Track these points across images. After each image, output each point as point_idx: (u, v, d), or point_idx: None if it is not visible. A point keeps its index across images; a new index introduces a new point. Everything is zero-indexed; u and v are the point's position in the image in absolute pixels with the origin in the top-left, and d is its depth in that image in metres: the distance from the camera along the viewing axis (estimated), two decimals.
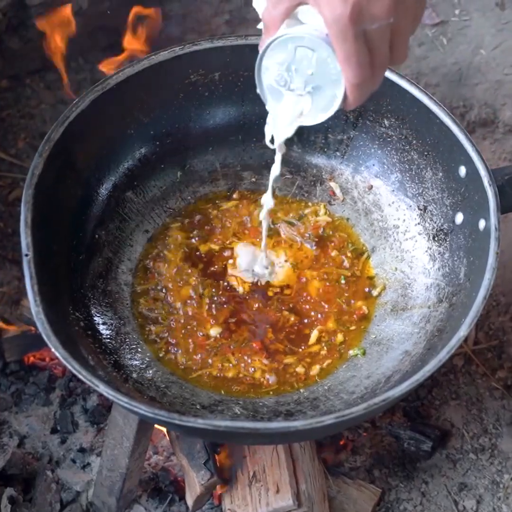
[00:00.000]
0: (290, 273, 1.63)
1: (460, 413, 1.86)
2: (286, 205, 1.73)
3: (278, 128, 1.35)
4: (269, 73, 1.26)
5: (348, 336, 1.58)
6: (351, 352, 1.56)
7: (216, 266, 1.64)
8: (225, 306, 1.59)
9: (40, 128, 2.25)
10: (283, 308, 1.60)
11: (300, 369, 1.53)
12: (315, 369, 1.54)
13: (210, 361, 1.54)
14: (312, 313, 1.60)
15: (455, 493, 1.77)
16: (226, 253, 1.66)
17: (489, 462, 1.80)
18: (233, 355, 1.55)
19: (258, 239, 1.65)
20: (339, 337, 1.57)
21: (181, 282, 1.62)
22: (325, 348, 1.56)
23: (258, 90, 1.29)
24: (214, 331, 1.56)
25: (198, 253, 1.66)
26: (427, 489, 1.77)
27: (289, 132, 1.35)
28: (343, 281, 1.63)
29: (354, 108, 1.24)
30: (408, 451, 1.80)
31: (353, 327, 1.59)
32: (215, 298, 1.60)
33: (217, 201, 1.73)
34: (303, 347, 1.56)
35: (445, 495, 1.77)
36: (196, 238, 1.67)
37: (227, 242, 1.67)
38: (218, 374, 1.53)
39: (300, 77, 1.25)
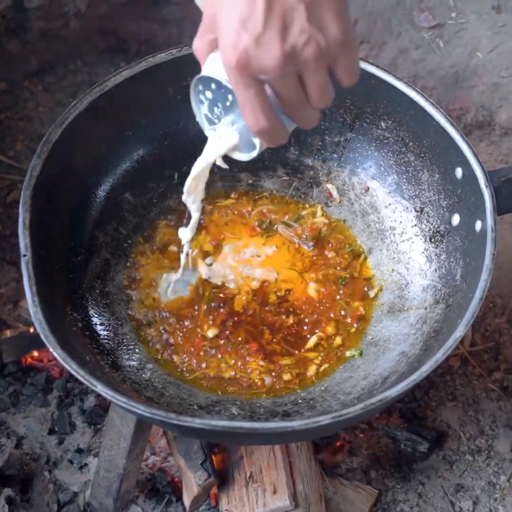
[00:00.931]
0: (293, 276, 1.64)
1: (456, 415, 1.86)
2: (283, 206, 1.73)
3: (208, 154, 1.34)
4: (204, 106, 1.26)
5: (347, 339, 1.58)
6: (348, 353, 1.57)
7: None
8: (222, 307, 1.60)
9: (38, 131, 2.26)
10: (281, 309, 1.61)
11: (295, 371, 1.54)
12: (311, 370, 1.54)
13: (207, 362, 1.54)
14: (310, 315, 1.60)
15: (451, 494, 1.78)
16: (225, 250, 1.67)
17: (485, 463, 1.81)
18: (230, 356, 1.55)
19: (253, 237, 1.68)
20: (338, 340, 1.58)
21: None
22: (322, 354, 1.56)
23: (197, 118, 1.29)
24: (211, 333, 1.57)
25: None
26: (423, 490, 1.78)
27: (220, 162, 1.34)
28: (342, 283, 1.64)
29: (276, 146, 1.20)
30: (405, 452, 1.80)
31: (352, 330, 1.59)
32: (213, 300, 1.61)
33: (214, 200, 1.73)
34: (300, 350, 1.57)
35: (441, 496, 1.77)
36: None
37: (221, 237, 1.68)
38: (215, 375, 1.53)
39: (227, 113, 1.23)
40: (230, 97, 1.20)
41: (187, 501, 1.65)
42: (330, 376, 1.54)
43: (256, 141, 1.24)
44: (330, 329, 1.58)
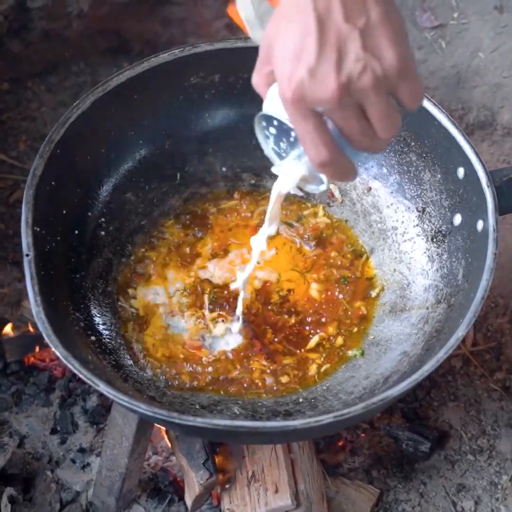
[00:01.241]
0: (295, 276, 1.65)
1: (458, 415, 1.86)
2: (285, 206, 1.73)
3: (278, 190, 1.32)
4: (270, 140, 1.24)
5: (349, 339, 1.58)
6: (350, 352, 1.57)
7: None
8: (224, 307, 1.60)
9: (41, 131, 2.26)
10: (283, 309, 1.61)
11: (295, 372, 1.54)
12: (312, 370, 1.54)
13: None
14: (312, 314, 1.61)
15: (453, 494, 1.78)
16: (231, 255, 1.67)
17: (487, 463, 1.81)
18: (233, 356, 1.55)
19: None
20: (339, 340, 1.58)
21: (180, 283, 1.63)
22: (324, 355, 1.56)
23: (265, 153, 1.26)
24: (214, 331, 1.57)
25: (195, 252, 1.67)
26: (425, 490, 1.78)
27: (294, 191, 1.30)
28: (344, 283, 1.64)
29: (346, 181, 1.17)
30: (407, 452, 1.80)
31: (355, 330, 1.59)
32: (215, 299, 1.61)
33: (217, 201, 1.74)
34: (301, 350, 1.57)
35: (443, 496, 1.77)
36: (196, 237, 1.69)
37: (228, 243, 1.68)
38: (217, 375, 1.53)
39: (292, 148, 1.20)
40: (293, 133, 1.17)
41: (189, 500, 1.65)
42: (332, 376, 1.54)
43: (323, 176, 1.22)
44: (331, 329, 1.59)
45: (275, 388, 1.52)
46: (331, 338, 1.58)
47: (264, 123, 1.21)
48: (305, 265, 1.66)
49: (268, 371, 1.54)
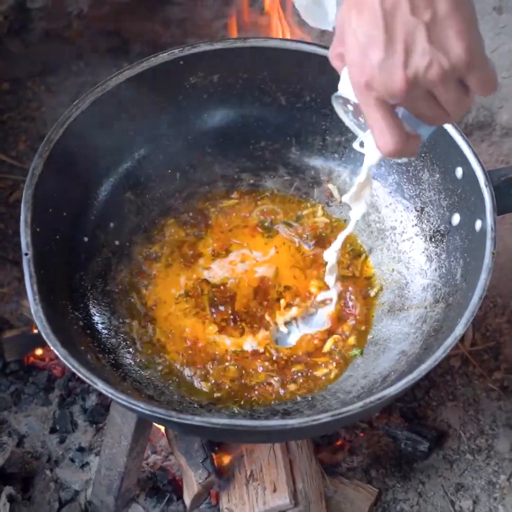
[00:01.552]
0: (294, 275, 1.65)
1: (457, 414, 1.86)
2: (284, 206, 1.74)
3: (369, 159, 1.34)
4: (349, 114, 1.25)
5: (360, 339, 1.58)
6: (350, 352, 1.57)
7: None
8: (223, 307, 1.60)
9: (40, 131, 2.26)
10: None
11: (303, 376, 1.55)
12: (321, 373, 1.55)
13: (209, 365, 1.55)
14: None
15: (451, 493, 1.78)
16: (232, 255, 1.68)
17: (485, 462, 1.81)
18: (233, 359, 1.56)
19: (254, 237, 1.69)
20: (351, 340, 1.58)
21: (180, 283, 1.63)
22: (333, 363, 1.56)
23: (347, 125, 1.28)
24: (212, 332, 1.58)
25: (193, 252, 1.67)
26: (423, 490, 1.78)
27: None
28: (343, 282, 1.64)
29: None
30: (405, 451, 1.80)
31: (363, 328, 1.59)
32: (213, 299, 1.61)
33: (216, 200, 1.74)
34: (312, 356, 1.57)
35: (441, 495, 1.77)
36: (195, 237, 1.69)
37: (229, 243, 1.69)
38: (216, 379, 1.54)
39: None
40: None
41: (187, 499, 1.66)
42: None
43: None
44: (345, 328, 1.59)
45: (283, 392, 1.53)
46: (343, 342, 1.58)
47: (341, 100, 1.23)
48: (304, 264, 1.66)
49: (276, 379, 1.54)
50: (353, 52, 1.07)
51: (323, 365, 1.55)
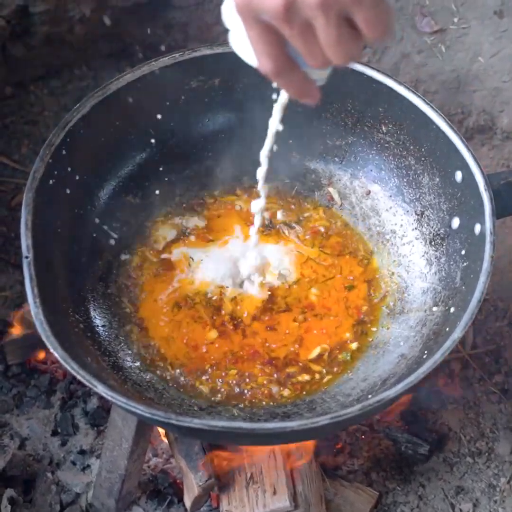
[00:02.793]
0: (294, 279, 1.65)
1: (457, 417, 1.87)
2: (285, 209, 1.74)
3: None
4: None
5: (362, 344, 1.58)
6: (341, 356, 1.58)
7: None
8: (221, 309, 1.61)
9: (43, 135, 2.27)
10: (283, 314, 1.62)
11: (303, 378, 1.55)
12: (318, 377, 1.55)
13: (208, 369, 1.55)
14: (314, 317, 1.62)
15: (452, 496, 1.78)
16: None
17: (485, 465, 1.81)
18: (233, 364, 1.56)
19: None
20: (353, 345, 1.58)
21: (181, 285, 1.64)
22: (325, 370, 1.56)
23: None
24: (212, 336, 1.58)
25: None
26: (424, 493, 1.78)
27: None
28: (348, 286, 1.65)
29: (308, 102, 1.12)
30: (406, 454, 1.81)
31: (366, 331, 1.60)
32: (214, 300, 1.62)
33: (216, 203, 1.74)
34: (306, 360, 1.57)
35: (442, 498, 1.78)
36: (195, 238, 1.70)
37: (225, 237, 1.69)
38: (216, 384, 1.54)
39: None
40: None
41: (188, 502, 1.66)
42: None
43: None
44: (349, 335, 1.59)
45: (277, 395, 1.53)
46: (340, 349, 1.58)
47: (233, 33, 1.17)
48: (305, 268, 1.66)
49: (273, 381, 1.54)
50: None
51: (319, 368, 1.56)
